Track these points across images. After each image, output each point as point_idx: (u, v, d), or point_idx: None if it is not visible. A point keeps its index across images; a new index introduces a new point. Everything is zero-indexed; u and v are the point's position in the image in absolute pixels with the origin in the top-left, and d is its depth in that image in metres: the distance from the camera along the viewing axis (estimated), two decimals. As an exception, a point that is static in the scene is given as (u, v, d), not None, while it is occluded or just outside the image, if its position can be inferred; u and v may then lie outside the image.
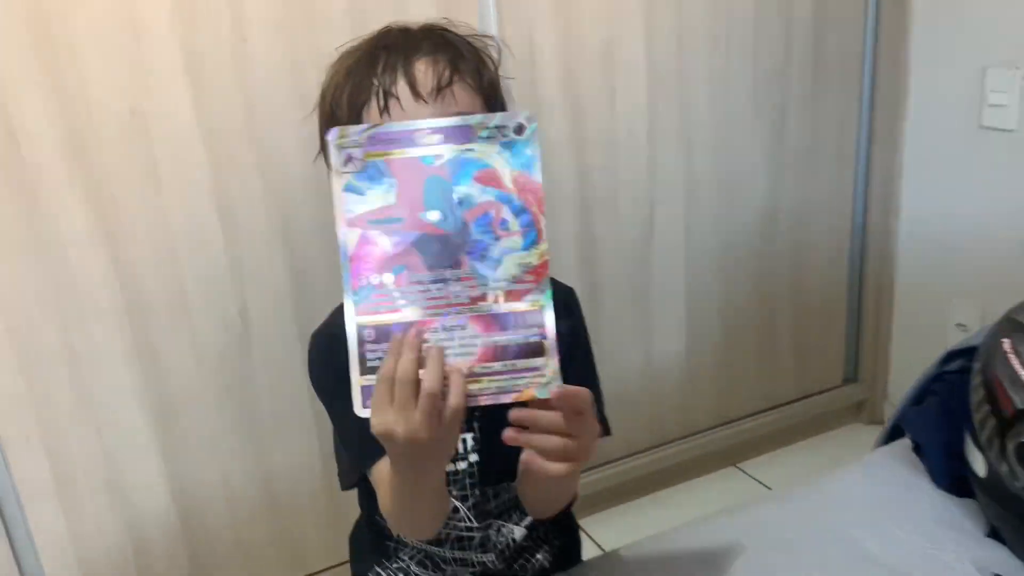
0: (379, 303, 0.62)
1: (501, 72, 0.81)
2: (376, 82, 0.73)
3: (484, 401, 0.62)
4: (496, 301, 0.63)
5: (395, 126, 0.63)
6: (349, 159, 0.62)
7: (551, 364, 0.62)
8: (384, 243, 0.62)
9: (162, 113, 1.22)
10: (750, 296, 1.80)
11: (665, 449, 1.79)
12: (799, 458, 1.89)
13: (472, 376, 0.62)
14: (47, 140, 1.17)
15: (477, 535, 0.86)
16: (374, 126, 0.63)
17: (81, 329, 1.25)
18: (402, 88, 0.73)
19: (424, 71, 0.73)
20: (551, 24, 1.44)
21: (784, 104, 1.71)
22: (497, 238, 0.62)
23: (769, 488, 1.79)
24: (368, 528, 0.93)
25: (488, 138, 0.62)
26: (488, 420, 0.83)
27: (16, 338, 1.22)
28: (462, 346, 0.62)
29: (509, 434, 0.63)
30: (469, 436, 0.84)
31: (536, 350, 0.62)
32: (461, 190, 0.62)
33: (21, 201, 1.17)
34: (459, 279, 0.62)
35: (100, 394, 1.29)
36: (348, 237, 0.62)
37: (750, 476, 1.85)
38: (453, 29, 0.79)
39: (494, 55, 0.80)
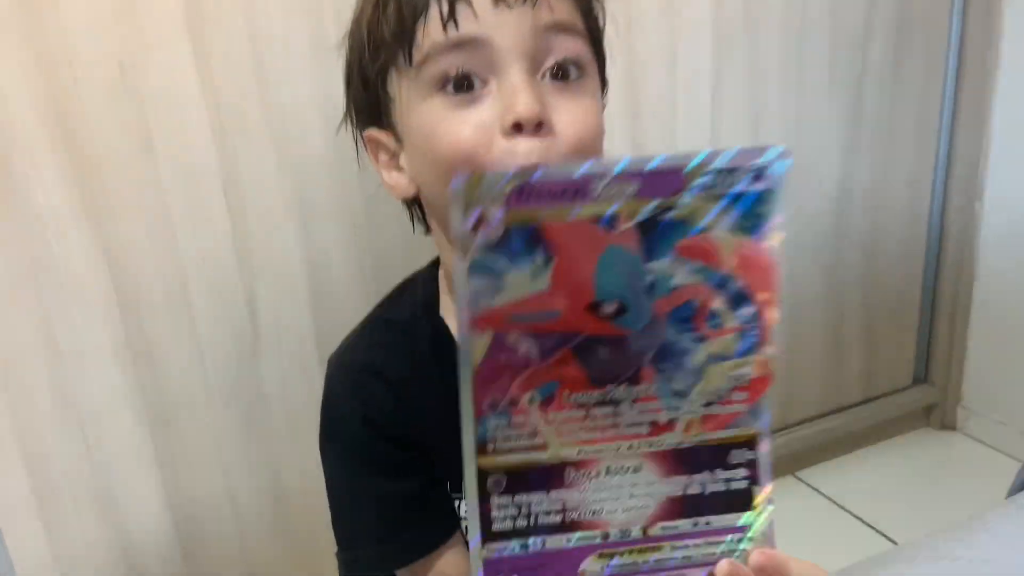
0: (514, 438, 0.44)
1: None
2: None
3: None
4: (687, 431, 0.45)
5: (559, 170, 0.40)
6: (481, 221, 0.41)
7: (761, 522, 0.46)
8: (529, 349, 0.43)
9: (157, 68, 1.03)
10: (817, 287, 1.62)
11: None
12: (864, 466, 1.72)
13: (648, 541, 0.45)
14: (23, 100, 0.98)
15: None
16: (525, 170, 0.40)
17: (64, 322, 1.08)
18: None
19: None
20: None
21: (862, 74, 1.52)
22: (701, 339, 0.44)
23: (832, 500, 1.62)
24: None
25: (707, 188, 0.41)
26: None
27: (-12, 332, 1.05)
28: (633, 496, 0.45)
29: None
30: None
31: (740, 501, 0.45)
32: (655, 268, 0.43)
33: (-8, 172, 1.00)
34: (638, 399, 0.44)
35: (87, 397, 1.12)
36: (474, 342, 0.42)
37: (810, 486, 1.67)
38: None
39: None
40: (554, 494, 0.44)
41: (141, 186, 1.07)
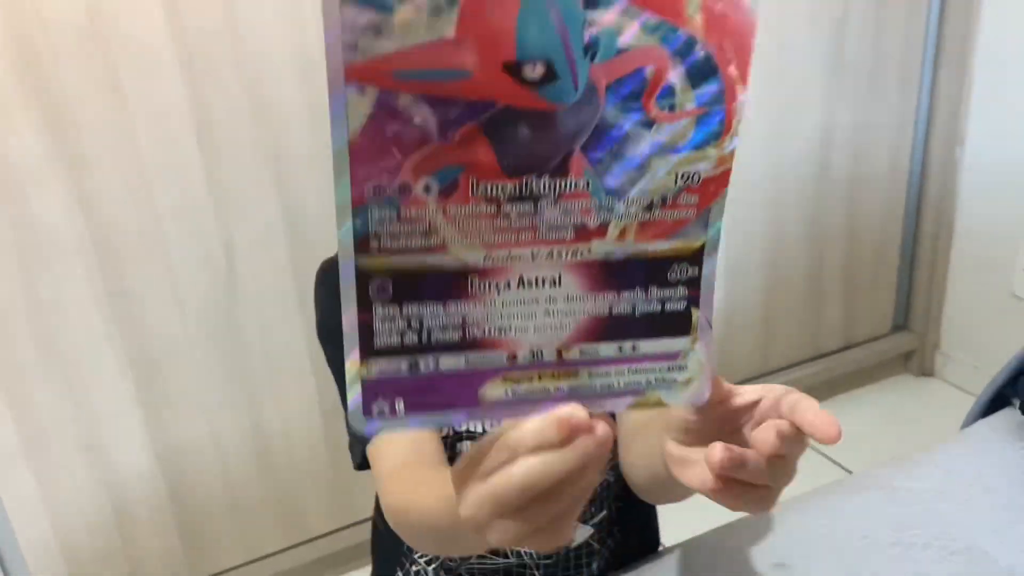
0: (405, 235, 0.34)
1: None
2: None
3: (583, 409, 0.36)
4: (621, 238, 0.35)
5: None
6: None
7: (698, 352, 0.38)
8: (426, 120, 0.32)
9: (126, 13, 1.03)
10: (798, 235, 1.62)
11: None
12: (843, 412, 1.73)
13: (562, 366, 0.36)
14: (-9, 48, 0.99)
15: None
16: None
17: (43, 271, 1.09)
18: None
19: None
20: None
21: (845, 15, 1.50)
22: (649, 123, 0.33)
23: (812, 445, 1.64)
24: (381, 539, 0.79)
25: None
26: None
27: (-32, 281, 1.06)
28: (549, 314, 0.36)
29: (711, 486, 0.40)
30: None
31: (677, 324, 0.37)
32: (598, 20, 0.31)
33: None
34: (563, 195, 0.34)
35: (69, 346, 1.13)
36: (352, 103, 0.31)
37: (789, 431, 1.70)
38: None
39: None
40: (452, 306, 0.35)
41: (114, 134, 1.07)
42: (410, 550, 0.74)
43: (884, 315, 1.80)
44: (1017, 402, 0.83)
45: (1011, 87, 1.54)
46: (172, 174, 1.12)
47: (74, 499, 1.20)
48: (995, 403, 0.85)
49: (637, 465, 0.64)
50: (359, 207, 0.33)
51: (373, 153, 0.32)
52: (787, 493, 0.43)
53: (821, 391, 1.75)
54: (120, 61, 1.04)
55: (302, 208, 1.19)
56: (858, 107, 1.58)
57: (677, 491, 0.54)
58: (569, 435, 0.33)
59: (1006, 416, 0.83)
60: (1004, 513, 0.72)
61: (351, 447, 0.69)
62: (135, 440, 1.21)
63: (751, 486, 0.40)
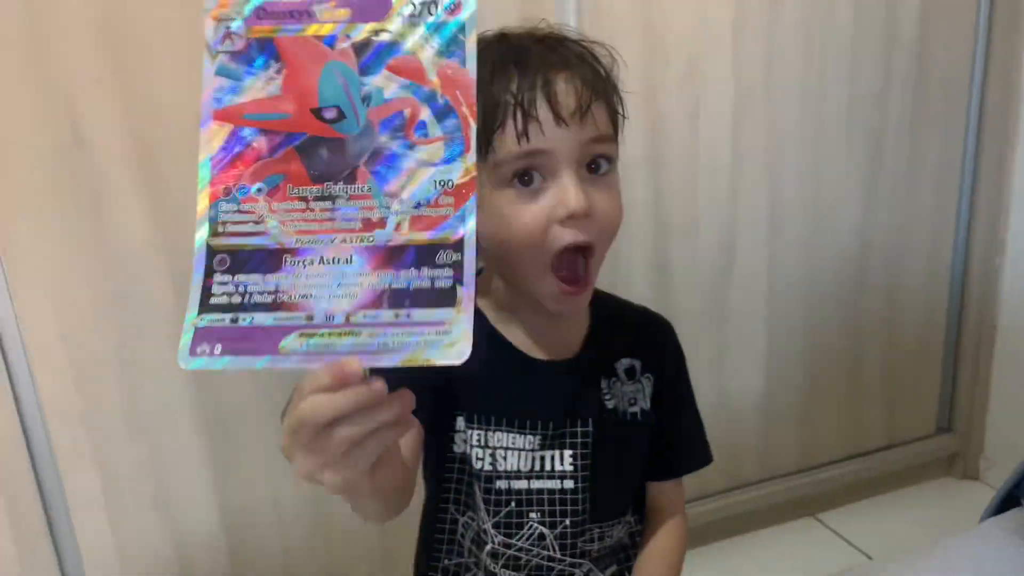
0: (240, 222, 0.49)
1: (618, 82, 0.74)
2: (512, 101, 0.66)
3: (360, 361, 0.46)
4: (398, 229, 0.48)
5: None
6: (227, 36, 0.49)
7: (462, 320, 0.46)
8: (260, 144, 0.49)
9: (228, 121, 1.19)
10: (838, 334, 1.68)
11: (740, 494, 1.67)
12: (884, 512, 1.75)
13: (348, 327, 0.46)
14: (113, 146, 1.15)
15: (556, 568, 0.78)
16: None
17: (136, 340, 1.22)
18: (543, 110, 0.66)
19: (565, 91, 0.67)
20: (633, 38, 1.37)
21: (882, 129, 1.59)
22: (411, 146, 0.49)
23: (850, 543, 1.65)
24: (425, 548, 0.86)
25: (411, 16, 0.49)
26: (598, 444, 0.77)
27: (71, 347, 1.19)
28: (341, 286, 0.47)
29: None
30: (567, 454, 0.76)
31: (444, 298, 0.46)
32: (370, 82, 0.49)
33: (84, 208, 1.15)
34: (352, 197, 0.48)
35: (152, 407, 1.26)
36: (213, 134, 0.49)
37: (830, 529, 1.71)
38: (570, 36, 0.73)
39: (608, 64, 0.74)
40: (270, 277, 0.48)
41: (209, 222, 1.21)
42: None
43: (928, 417, 1.82)
44: (1026, 501, 0.87)
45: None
46: (255, 258, 1.25)
47: (143, 551, 1.30)
48: (1006, 503, 0.89)
49: None
50: (215, 202, 0.49)
51: (226, 166, 0.49)
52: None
53: (862, 490, 1.77)
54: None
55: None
56: (896, 216, 1.65)
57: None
58: (339, 380, 0.44)
59: (1014, 515, 0.87)
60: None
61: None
62: (203, 499, 1.32)
63: None
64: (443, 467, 0.78)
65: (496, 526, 0.76)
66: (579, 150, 0.67)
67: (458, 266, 0.47)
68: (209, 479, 1.31)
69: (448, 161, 0.48)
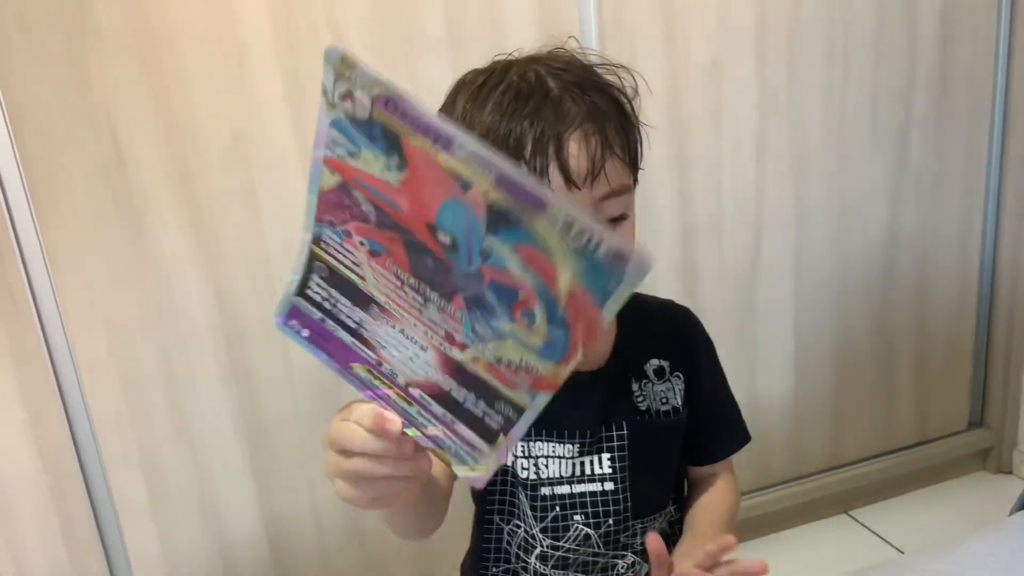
0: (343, 254, 0.48)
1: (639, 112, 0.73)
2: (524, 167, 0.66)
3: (407, 429, 0.49)
4: (474, 362, 0.46)
5: (426, 112, 0.41)
6: (349, 96, 0.43)
7: (493, 457, 0.48)
8: (369, 212, 0.46)
9: (263, 138, 1.22)
10: (867, 331, 1.68)
11: (772, 492, 1.68)
12: (917, 507, 1.75)
13: (405, 393, 0.49)
14: (153, 165, 1.19)
15: (602, 561, 0.82)
16: (392, 86, 0.42)
17: (180, 351, 1.27)
18: (554, 175, 0.66)
19: (576, 154, 0.66)
20: (655, 41, 1.39)
21: (907, 125, 1.59)
22: (512, 319, 0.44)
23: (884, 539, 1.66)
24: (473, 558, 0.89)
25: (566, 230, 0.40)
26: (633, 445, 0.79)
27: (118, 359, 1.24)
28: (412, 362, 0.48)
29: None
30: (605, 457, 0.79)
31: (487, 433, 0.48)
32: (494, 246, 0.42)
33: (128, 225, 1.20)
34: (443, 311, 0.46)
35: (196, 416, 1.30)
36: (324, 175, 0.46)
37: (863, 525, 1.71)
38: (584, 61, 0.72)
39: (629, 92, 0.73)
40: (357, 310, 0.49)
41: (247, 237, 1.25)
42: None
43: (960, 411, 1.82)
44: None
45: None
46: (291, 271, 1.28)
47: (189, 556, 1.34)
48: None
49: None
50: (320, 221, 0.48)
51: (332, 205, 0.47)
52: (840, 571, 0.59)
53: (895, 486, 1.77)
54: (256, 174, 1.23)
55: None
56: (923, 209, 1.65)
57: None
58: (378, 430, 0.48)
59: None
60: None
61: None
62: (245, 505, 1.35)
63: None
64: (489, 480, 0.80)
65: (544, 531, 0.80)
66: (591, 209, 0.68)
67: (511, 422, 0.47)
68: (251, 486, 1.35)
69: (542, 356, 0.44)
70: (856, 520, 1.73)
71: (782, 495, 1.68)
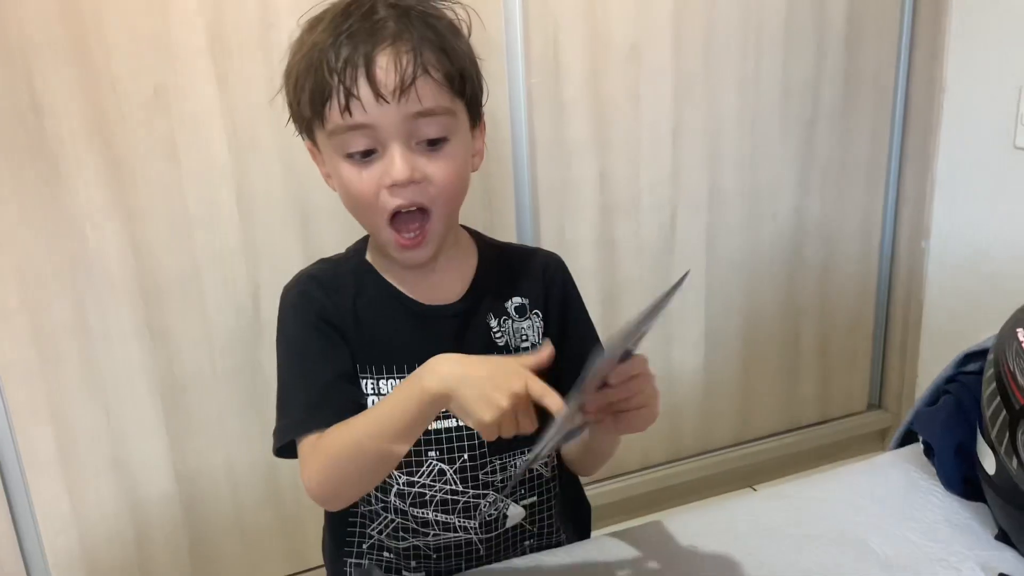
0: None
1: (475, 47, 0.77)
2: (336, 79, 0.70)
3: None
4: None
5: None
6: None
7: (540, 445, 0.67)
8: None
9: (185, 92, 1.24)
10: (774, 312, 1.76)
11: (681, 464, 1.75)
12: (817, 483, 1.83)
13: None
14: (71, 114, 1.19)
15: (462, 500, 0.83)
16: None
17: (94, 305, 1.27)
18: (363, 87, 0.70)
19: (385, 68, 0.70)
20: (577, 24, 1.44)
21: (814, 117, 1.68)
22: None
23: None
24: (332, 525, 0.91)
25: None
26: None
27: (30, 310, 1.23)
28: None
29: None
30: None
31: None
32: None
33: (43, 174, 1.19)
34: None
35: (109, 371, 1.30)
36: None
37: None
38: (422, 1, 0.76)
39: (463, 28, 0.77)
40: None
41: (166, 190, 1.26)
42: (364, 526, 0.86)
43: (860, 393, 1.92)
44: (920, 438, 0.96)
45: (971, 182, 1.70)
46: (211, 227, 1.30)
47: (99, 513, 1.34)
48: (906, 439, 0.98)
49: (574, 452, 0.85)
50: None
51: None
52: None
53: (799, 462, 1.85)
54: (177, 130, 1.24)
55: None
56: (828, 200, 1.74)
57: (597, 455, 0.84)
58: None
59: (911, 448, 0.96)
60: (889, 518, 0.84)
61: (276, 432, 0.82)
62: (159, 462, 1.36)
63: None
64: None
65: (397, 467, 0.80)
66: (404, 124, 0.72)
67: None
68: (165, 442, 1.35)
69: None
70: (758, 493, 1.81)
71: (690, 467, 1.75)
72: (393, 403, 0.70)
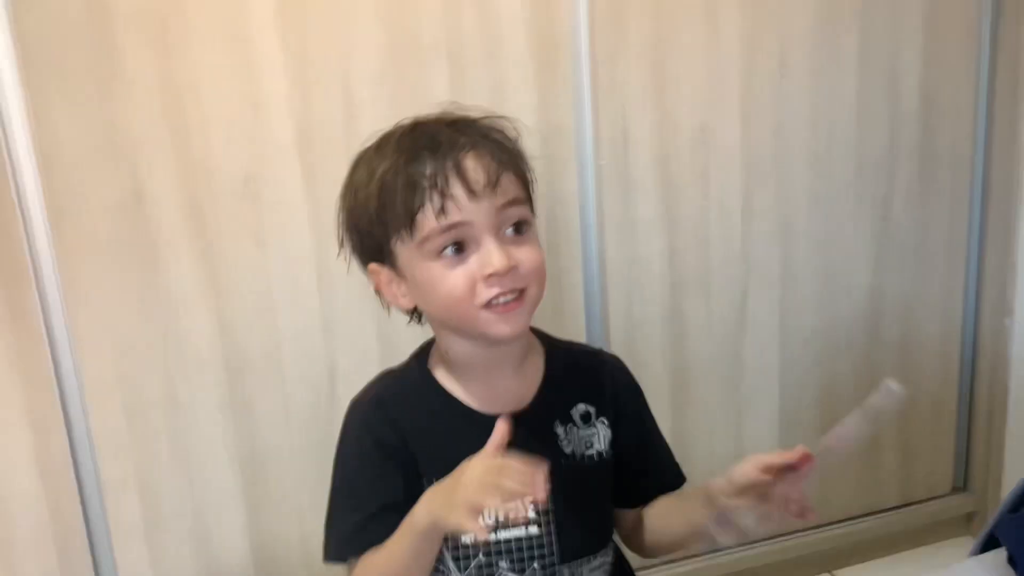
0: None
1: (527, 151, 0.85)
2: (427, 184, 0.76)
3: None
4: None
5: None
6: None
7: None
8: None
9: (274, 181, 1.31)
10: (852, 390, 1.72)
11: (754, 548, 1.70)
12: (899, 570, 1.76)
13: None
14: (170, 203, 1.27)
15: None
16: None
17: (183, 380, 1.33)
18: (456, 187, 0.76)
19: (474, 167, 0.77)
20: (646, 107, 1.47)
21: (889, 195, 1.67)
22: None
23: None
24: None
25: None
26: (557, 489, 0.79)
27: (125, 385, 1.30)
28: None
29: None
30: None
31: None
32: None
33: (142, 257, 1.27)
34: None
35: (194, 444, 1.35)
36: None
37: (846, 585, 1.73)
38: (473, 115, 0.83)
39: (512, 134, 0.84)
40: None
41: (253, 273, 1.32)
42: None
43: (943, 475, 1.84)
44: (1005, 545, 0.92)
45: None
46: (293, 308, 1.35)
47: (179, 582, 1.38)
48: (988, 544, 0.94)
49: (664, 531, 0.89)
50: None
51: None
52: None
53: (879, 547, 1.78)
54: (265, 214, 1.31)
55: (395, 342, 1.40)
56: (906, 275, 1.71)
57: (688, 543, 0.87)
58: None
59: (994, 555, 0.92)
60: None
61: (324, 546, 0.88)
62: (237, 532, 1.39)
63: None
64: None
65: None
66: (496, 216, 0.77)
67: None
68: (243, 513, 1.39)
69: None
70: (839, 580, 1.75)
71: (763, 551, 1.69)
72: (399, 536, 0.77)
